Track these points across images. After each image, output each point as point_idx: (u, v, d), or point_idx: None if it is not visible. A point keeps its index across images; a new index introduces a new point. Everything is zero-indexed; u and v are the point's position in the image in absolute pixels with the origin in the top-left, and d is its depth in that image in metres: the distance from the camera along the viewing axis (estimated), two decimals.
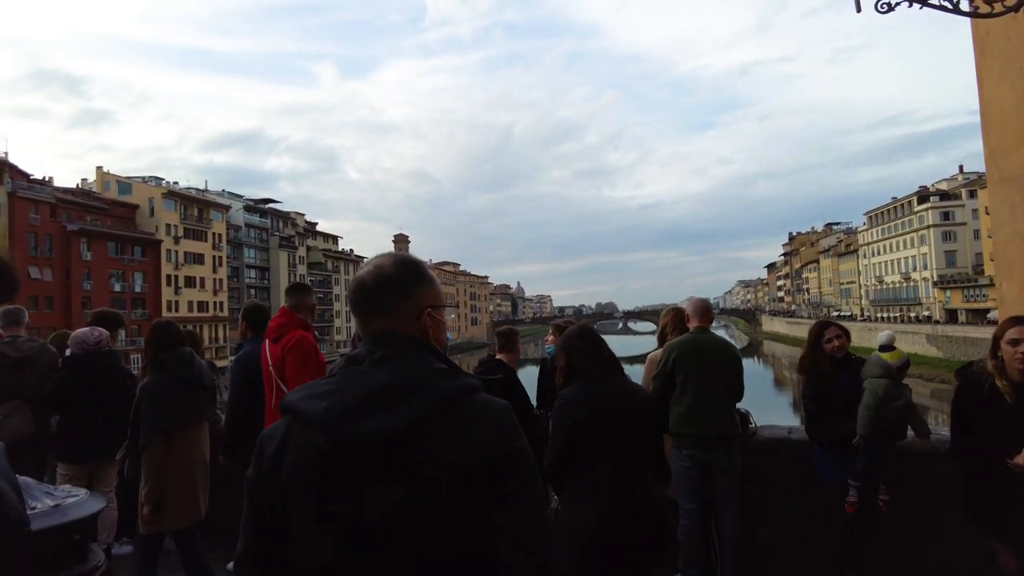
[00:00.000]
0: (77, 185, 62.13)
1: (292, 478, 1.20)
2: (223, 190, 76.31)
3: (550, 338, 4.49)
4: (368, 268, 1.38)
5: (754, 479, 4.15)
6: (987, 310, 61.96)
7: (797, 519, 4.12)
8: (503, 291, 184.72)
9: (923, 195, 73.95)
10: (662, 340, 4.57)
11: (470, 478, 1.15)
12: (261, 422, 4.51)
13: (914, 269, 74.44)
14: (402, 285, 1.36)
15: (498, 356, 4.62)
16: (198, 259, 63.99)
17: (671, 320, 4.60)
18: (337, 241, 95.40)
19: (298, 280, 76.77)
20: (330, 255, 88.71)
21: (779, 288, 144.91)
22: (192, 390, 4.04)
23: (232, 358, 4.86)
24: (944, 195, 72.70)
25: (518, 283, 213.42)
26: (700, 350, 4.09)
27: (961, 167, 77.69)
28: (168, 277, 60.03)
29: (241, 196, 77.56)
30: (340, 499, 1.16)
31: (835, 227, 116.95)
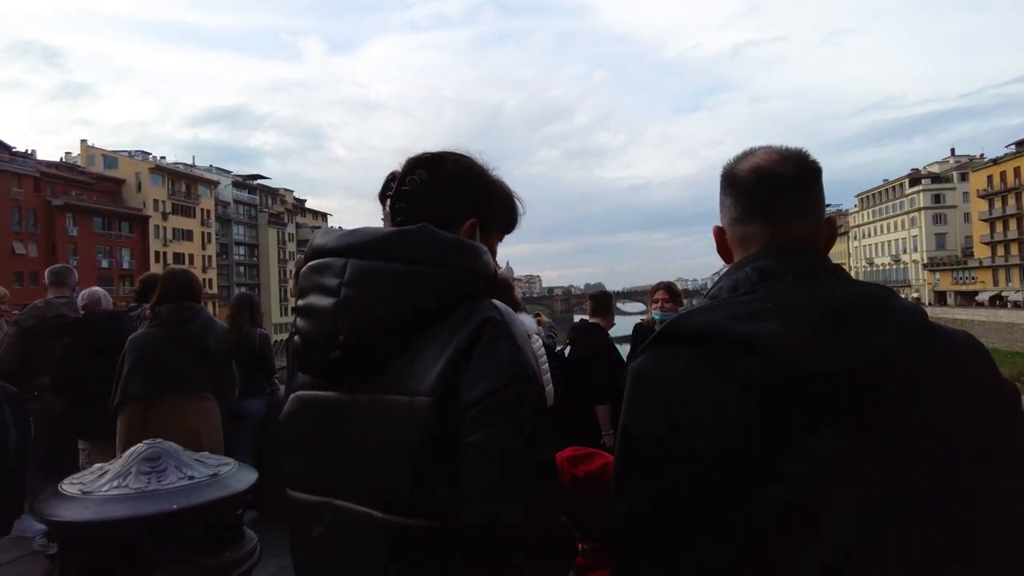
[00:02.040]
0: (61, 159, 60.61)
1: (717, 423, 0.88)
2: (211, 165, 74.84)
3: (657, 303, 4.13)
4: (772, 156, 1.03)
5: None
6: (975, 292, 62.74)
7: None
8: None
9: (915, 178, 74.31)
10: None
11: (982, 417, 0.88)
12: None
13: (904, 251, 75.04)
14: (820, 182, 1.05)
15: (592, 320, 4.33)
16: (187, 235, 62.85)
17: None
18: (327, 219, 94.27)
19: (286, 257, 75.97)
20: None
21: None
22: (185, 354, 3.29)
23: None
24: (935, 178, 73.07)
25: (507, 263, 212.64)
26: None
27: (953, 150, 78.19)
28: (156, 254, 58.95)
29: (229, 172, 76.11)
30: (812, 449, 0.85)
31: (826, 209, 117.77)
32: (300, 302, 1.08)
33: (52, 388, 3.91)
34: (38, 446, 3.67)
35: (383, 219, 1.16)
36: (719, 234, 1.10)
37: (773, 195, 1.02)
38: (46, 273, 4.55)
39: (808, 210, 1.02)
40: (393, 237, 1.02)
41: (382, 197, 1.17)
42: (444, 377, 0.92)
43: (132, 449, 1.81)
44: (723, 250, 1.11)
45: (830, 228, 1.06)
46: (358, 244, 1.03)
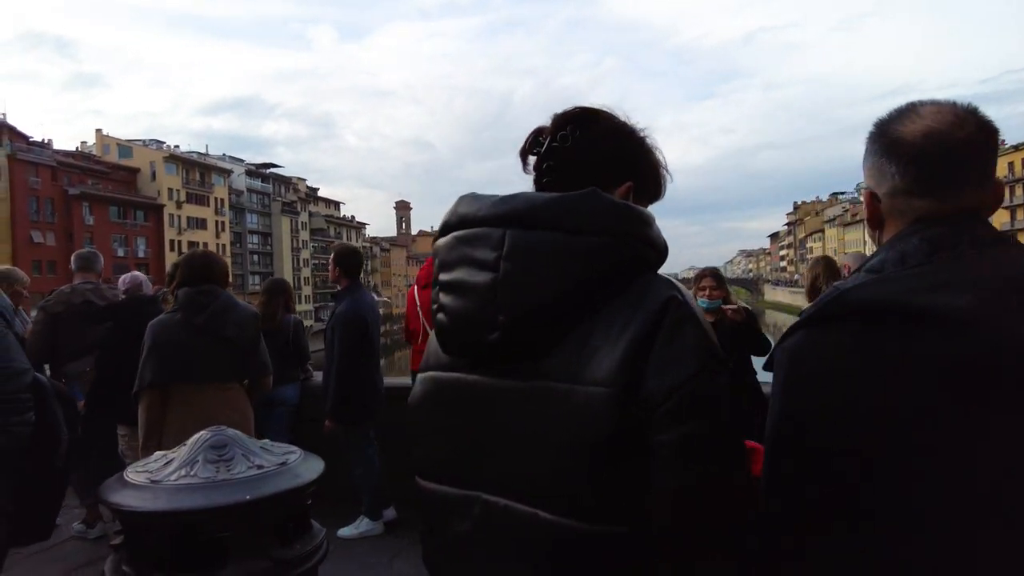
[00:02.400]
0: (76, 148, 61.00)
1: (905, 403, 0.81)
2: (224, 154, 75.01)
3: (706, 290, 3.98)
4: (946, 117, 0.92)
5: None
6: None
7: None
8: None
9: None
10: (814, 293, 4.16)
11: None
12: (371, 379, 4.16)
13: None
14: (997, 143, 0.96)
15: None
16: (201, 224, 63.17)
17: (823, 270, 4.19)
18: (339, 207, 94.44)
19: (300, 246, 76.17)
20: (332, 221, 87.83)
21: (782, 258, 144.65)
22: (203, 340, 3.09)
23: (330, 312, 4.45)
24: None
25: None
26: None
27: None
28: (171, 242, 59.30)
29: (242, 160, 76.32)
30: (1011, 429, 0.78)
31: (840, 196, 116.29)
32: (444, 276, 0.96)
33: (96, 372, 3.90)
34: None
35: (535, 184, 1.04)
36: (871, 200, 0.99)
37: (951, 165, 0.91)
38: (72, 258, 4.50)
39: (986, 178, 0.93)
40: (557, 203, 0.90)
41: (524, 154, 1.05)
42: (625, 365, 0.82)
43: (196, 437, 1.74)
44: (874, 218, 1.00)
45: (996, 192, 0.95)
46: (517, 212, 0.91)
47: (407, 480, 1.08)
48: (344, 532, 3.95)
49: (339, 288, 4.29)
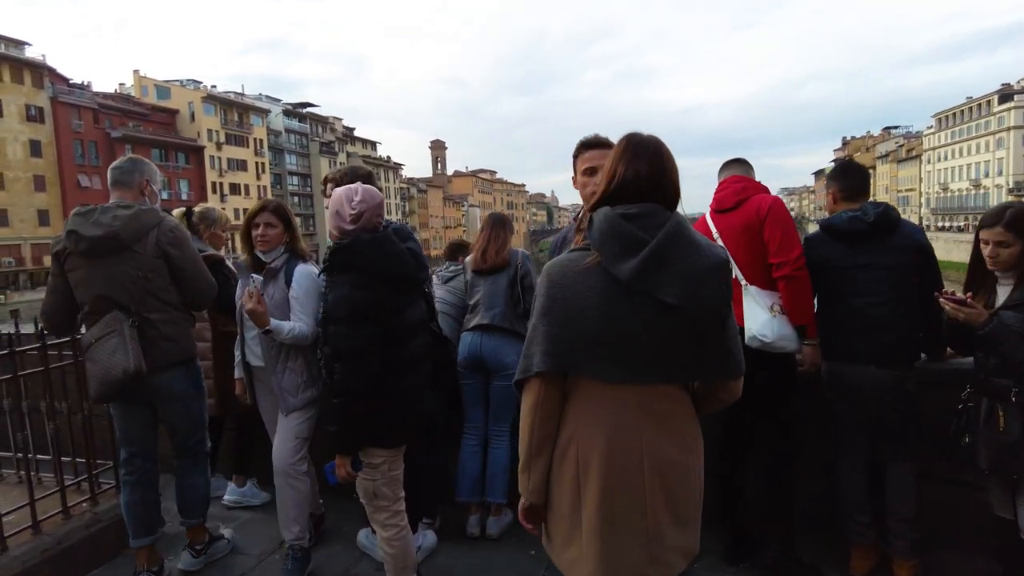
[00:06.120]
0: (115, 90, 60.94)
1: None
2: (260, 94, 74.31)
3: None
4: None
5: None
6: None
7: None
8: (539, 199, 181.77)
9: (1006, 94, 68.05)
10: None
11: None
12: None
13: (986, 175, 69.88)
14: None
15: None
16: (241, 166, 63.23)
17: None
18: (376, 147, 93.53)
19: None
20: (370, 161, 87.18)
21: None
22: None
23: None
24: None
25: (552, 191, 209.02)
26: None
27: None
28: (213, 184, 59.61)
29: (279, 100, 75.55)
30: None
31: (894, 131, 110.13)
32: None
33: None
34: None
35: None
36: None
37: None
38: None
39: None
40: None
41: None
42: None
43: None
44: None
45: None
46: None
47: None
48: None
49: None
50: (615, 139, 1.71)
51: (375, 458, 2.60)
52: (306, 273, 3.05)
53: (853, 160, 3.24)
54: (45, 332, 3.14)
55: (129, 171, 3.07)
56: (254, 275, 3.04)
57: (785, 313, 2.83)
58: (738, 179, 3.11)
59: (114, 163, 3.14)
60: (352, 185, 2.64)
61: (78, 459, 3.38)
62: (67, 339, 3.27)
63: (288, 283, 3.04)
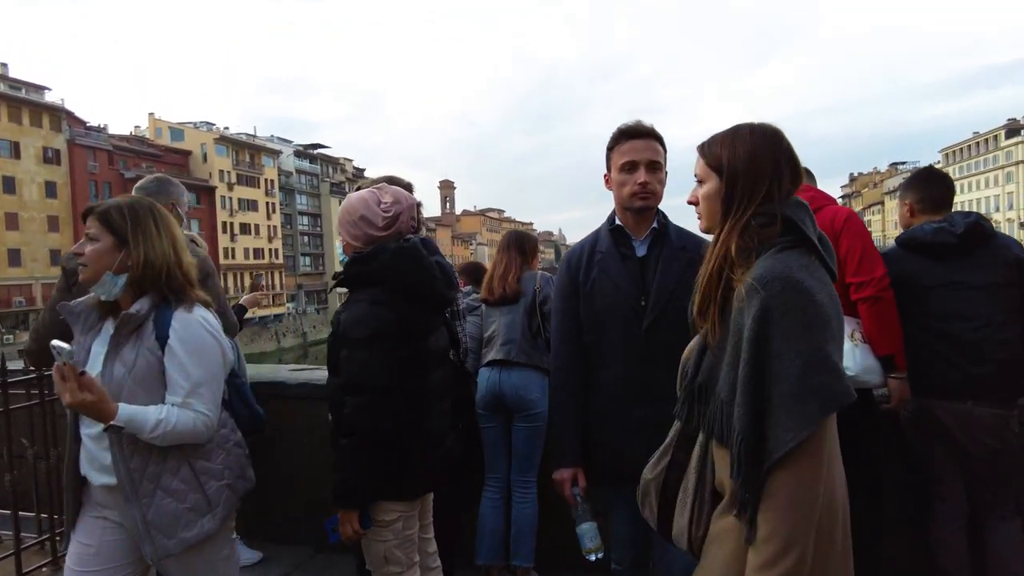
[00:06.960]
0: (131, 132, 62.06)
1: None
2: (272, 135, 75.55)
3: None
4: None
5: None
6: None
7: None
8: (546, 238, 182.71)
9: (1013, 128, 68.26)
10: None
11: None
12: None
13: (996, 210, 69.48)
14: None
15: None
16: (252, 206, 63.76)
17: None
18: None
19: None
20: None
21: None
22: None
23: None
24: None
25: (559, 230, 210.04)
26: None
27: None
28: (224, 224, 60.01)
29: (290, 141, 76.71)
30: None
31: (900, 166, 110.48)
32: None
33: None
34: None
35: None
36: None
37: None
38: None
39: None
40: None
41: None
42: None
43: None
44: None
45: None
46: None
47: None
48: None
49: None
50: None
51: (388, 514, 2.14)
52: (193, 322, 1.91)
53: (934, 167, 2.97)
54: (5, 368, 2.74)
55: (155, 192, 2.85)
56: (56, 343, 1.70)
57: (868, 341, 2.40)
58: (805, 188, 2.71)
59: (140, 182, 2.92)
60: (374, 186, 2.26)
61: (42, 514, 2.94)
62: (33, 375, 2.88)
63: (162, 340, 1.87)
